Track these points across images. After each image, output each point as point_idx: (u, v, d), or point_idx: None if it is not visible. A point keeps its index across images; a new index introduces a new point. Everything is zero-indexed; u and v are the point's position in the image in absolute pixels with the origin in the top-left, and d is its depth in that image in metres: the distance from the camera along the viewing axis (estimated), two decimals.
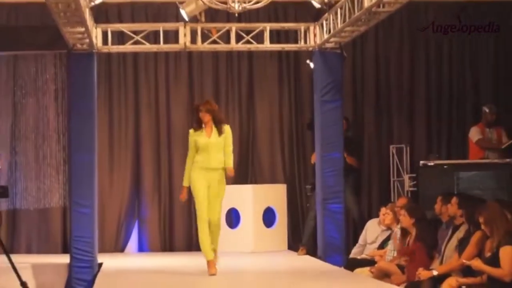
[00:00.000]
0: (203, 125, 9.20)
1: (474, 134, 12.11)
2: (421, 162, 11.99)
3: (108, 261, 10.84)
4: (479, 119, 12.34)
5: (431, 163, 11.88)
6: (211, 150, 9.14)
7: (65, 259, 10.77)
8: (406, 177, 12.15)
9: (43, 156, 12.43)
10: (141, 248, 12.73)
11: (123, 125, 12.75)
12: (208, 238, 9.10)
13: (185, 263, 10.88)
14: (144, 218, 12.73)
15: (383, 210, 10.20)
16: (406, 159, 12.32)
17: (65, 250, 11.80)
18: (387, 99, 13.03)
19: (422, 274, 8.26)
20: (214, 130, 9.19)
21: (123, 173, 12.69)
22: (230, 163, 9.25)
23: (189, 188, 9.27)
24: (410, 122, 13.03)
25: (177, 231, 12.69)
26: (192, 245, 12.56)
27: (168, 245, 12.67)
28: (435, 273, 8.21)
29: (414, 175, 12.03)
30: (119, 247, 12.62)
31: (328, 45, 10.91)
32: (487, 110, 12.13)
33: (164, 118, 12.77)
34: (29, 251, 12.21)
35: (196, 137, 9.20)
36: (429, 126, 13.04)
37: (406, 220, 9.09)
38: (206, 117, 9.16)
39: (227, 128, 9.30)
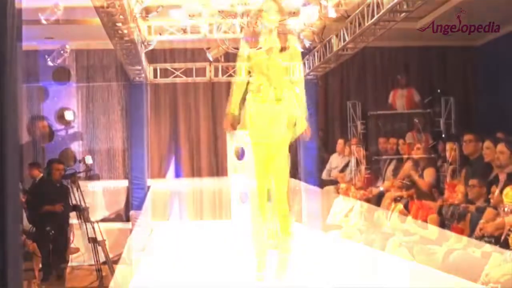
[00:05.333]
0: (259, 35, 4.49)
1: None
2: (369, 112, 12.00)
3: (155, 184, 10.91)
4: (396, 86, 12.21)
5: (375, 113, 11.89)
6: (270, 73, 4.57)
7: (125, 183, 10.87)
8: (358, 123, 12.14)
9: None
10: (177, 175, 12.77)
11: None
12: (261, 234, 4.65)
13: (207, 185, 11.07)
14: (179, 155, 12.76)
15: (340, 141, 10.44)
16: (358, 111, 12.28)
17: (125, 177, 11.86)
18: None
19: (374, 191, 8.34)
20: (276, 41, 4.58)
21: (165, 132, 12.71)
22: (304, 121, 4.71)
23: (234, 117, 5.01)
24: (363, 85, 12.93)
25: (203, 163, 12.68)
26: (212, 172, 12.65)
27: (196, 172, 12.72)
28: (381, 188, 8.28)
29: (364, 121, 12.04)
30: (162, 174, 12.66)
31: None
32: (399, 77, 12.06)
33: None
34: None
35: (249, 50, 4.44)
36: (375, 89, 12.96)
37: (359, 152, 9.15)
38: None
39: (292, 40, 4.44)
